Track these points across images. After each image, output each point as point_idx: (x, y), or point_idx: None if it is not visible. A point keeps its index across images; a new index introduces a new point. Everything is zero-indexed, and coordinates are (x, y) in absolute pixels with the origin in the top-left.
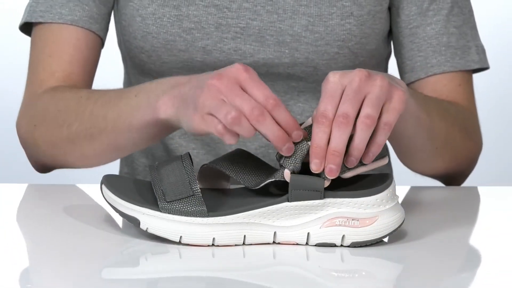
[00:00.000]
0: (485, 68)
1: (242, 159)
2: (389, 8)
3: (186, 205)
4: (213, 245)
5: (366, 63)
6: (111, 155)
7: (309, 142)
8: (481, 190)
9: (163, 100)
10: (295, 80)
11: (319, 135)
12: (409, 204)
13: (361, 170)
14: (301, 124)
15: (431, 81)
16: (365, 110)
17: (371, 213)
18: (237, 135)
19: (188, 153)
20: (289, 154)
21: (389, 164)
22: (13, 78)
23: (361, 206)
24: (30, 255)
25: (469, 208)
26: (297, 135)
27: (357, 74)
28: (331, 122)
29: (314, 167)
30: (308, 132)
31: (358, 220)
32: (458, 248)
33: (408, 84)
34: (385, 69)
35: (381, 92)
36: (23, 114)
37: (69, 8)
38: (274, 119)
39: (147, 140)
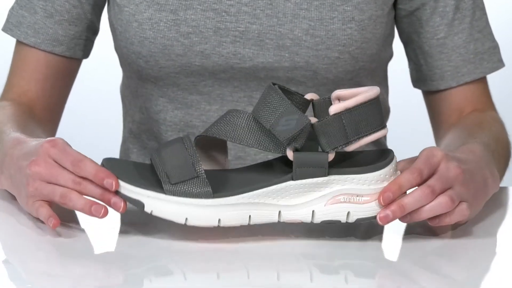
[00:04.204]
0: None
1: (233, 118)
2: (395, 16)
3: (191, 187)
4: (218, 226)
5: (366, 67)
6: None
7: (312, 119)
8: None
9: None
10: (294, 84)
11: (408, 179)
12: None
13: (364, 141)
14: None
15: (462, 89)
16: (442, 195)
17: (374, 189)
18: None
19: (188, 135)
20: (117, 209)
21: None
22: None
23: (365, 182)
24: (31, 256)
25: None
26: (108, 183)
27: (458, 178)
28: (421, 182)
29: (382, 195)
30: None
31: (362, 197)
32: (459, 248)
33: (437, 91)
34: (384, 72)
35: (461, 210)
36: None
37: (34, 30)
38: (86, 177)
39: None
